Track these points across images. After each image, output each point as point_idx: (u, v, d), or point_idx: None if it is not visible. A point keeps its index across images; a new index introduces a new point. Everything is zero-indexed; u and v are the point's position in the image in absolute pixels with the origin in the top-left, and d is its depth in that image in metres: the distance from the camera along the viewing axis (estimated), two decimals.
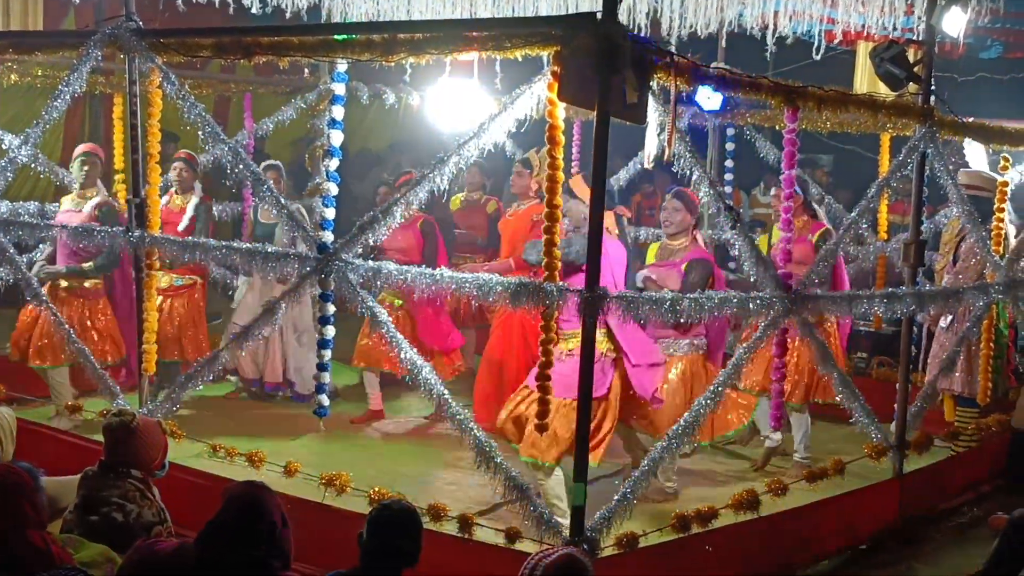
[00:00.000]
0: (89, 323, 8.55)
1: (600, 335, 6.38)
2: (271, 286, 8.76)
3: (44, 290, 8.02)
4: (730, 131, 10.69)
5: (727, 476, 7.98)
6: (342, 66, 6.42)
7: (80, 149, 8.78)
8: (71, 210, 8.52)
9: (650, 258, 7.60)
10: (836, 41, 10.22)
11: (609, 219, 6.66)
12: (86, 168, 8.58)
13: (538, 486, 6.38)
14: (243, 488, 4.02)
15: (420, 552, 4.21)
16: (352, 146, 10.97)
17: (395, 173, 9.87)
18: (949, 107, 7.63)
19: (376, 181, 10.94)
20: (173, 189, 9.07)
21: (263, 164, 9.51)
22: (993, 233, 8.31)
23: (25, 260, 8.27)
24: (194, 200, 9.00)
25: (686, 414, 6.19)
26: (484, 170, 10.36)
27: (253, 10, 10.01)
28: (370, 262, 6.40)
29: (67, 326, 7.82)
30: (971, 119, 7.96)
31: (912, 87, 7.34)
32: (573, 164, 10.81)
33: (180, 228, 8.79)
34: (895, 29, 9.35)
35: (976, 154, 9.02)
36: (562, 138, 5.51)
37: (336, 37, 6.28)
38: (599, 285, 5.42)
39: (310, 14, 10.36)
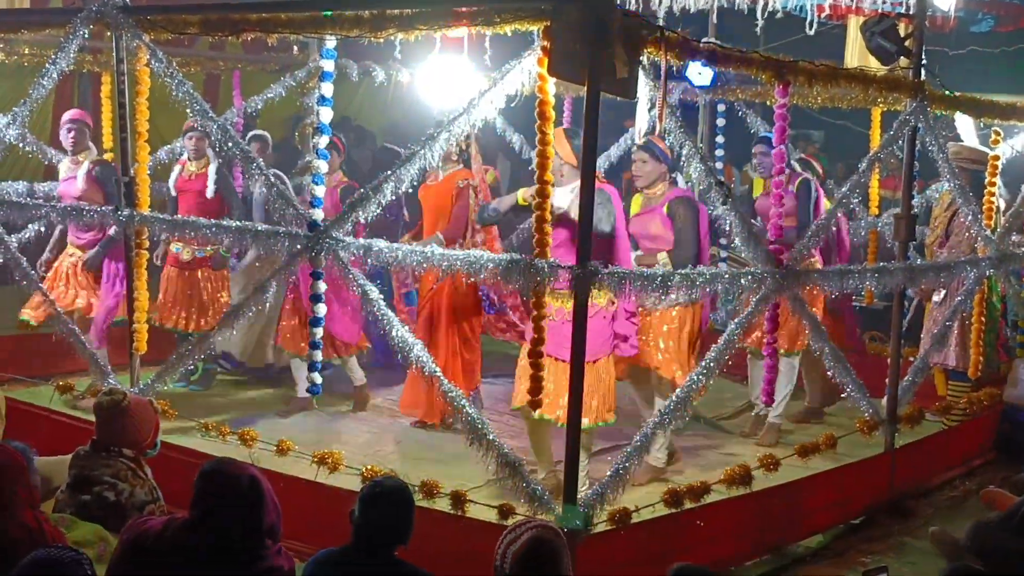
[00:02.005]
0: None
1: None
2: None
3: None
4: (721, 107, 10.67)
5: (719, 452, 8.00)
6: (331, 43, 6.40)
7: (66, 116, 8.74)
8: (68, 176, 8.55)
9: (634, 208, 7.51)
10: (826, 15, 10.19)
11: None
12: (72, 135, 8.56)
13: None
14: (219, 472, 3.99)
15: (412, 529, 4.22)
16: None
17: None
18: (940, 81, 7.62)
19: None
20: (186, 157, 8.99)
21: (249, 135, 9.50)
22: (984, 207, 8.32)
23: (15, 241, 8.25)
24: (214, 166, 8.88)
25: (678, 390, 6.19)
26: (481, 143, 10.35)
27: None
28: (360, 239, 6.38)
29: (61, 309, 7.89)
30: (962, 93, 7.95)
31: (903, 61, 7.32)
32: None
33: (208, 196, 8.76)
34: (886, 3, 9.32)
35: (966, 128, 9.01)
36: (552, 113, 5.49)
37: (324, 13, 6.25)
38: None
39: None
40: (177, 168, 8.97)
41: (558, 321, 6.18)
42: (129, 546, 4.01)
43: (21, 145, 8.40)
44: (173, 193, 8.88)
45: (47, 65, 7.29)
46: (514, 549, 3.87)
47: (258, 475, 4.03)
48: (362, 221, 6.45)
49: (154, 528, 4.00)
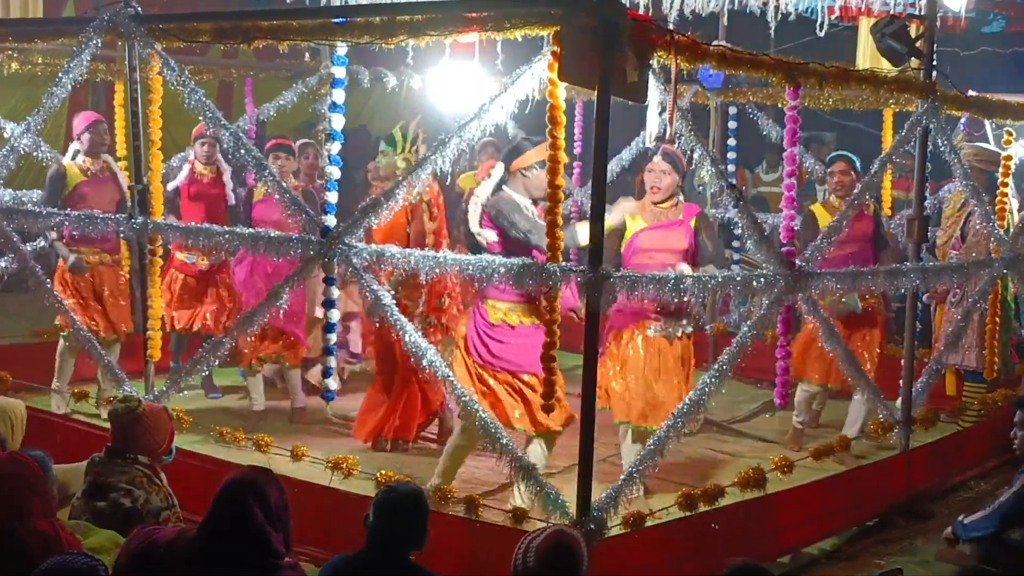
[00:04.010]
0: (106, 293, 8.54)
1: (525, 308, 6.45)
2: None
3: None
4: (732, 110, 10.66)
5: (732, 454, 7.99)
6: (342, 49, 6.41)
7: (92, 116, 8.65)
8: (97, 175, 8.42)
9: (635, 224, 7.03)
10: (837, 17, 10.18)
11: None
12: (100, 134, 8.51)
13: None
14: (231, 483, 3.98)
15: (427, 535, 4.22)
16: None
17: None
18: (951, 82, 7.61)
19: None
20: (195, 159, 8.98)
21: (300, 143, 9.42)
22: (997, 208, 8.31)
23: (29, 248, 8.28)
24: (228, 173, 8.96)
25: (691, 393, 6.18)
26: (498, 150, 10.40)
27: None
28: (373, 245, 6.41)
29: (74, 313, 7.91)
30: (974, 93, 7.94)
31: (914, 62, 7.31)
32: (576, 144, 10.82)
33: (231, 203, 8.84)
34: (896, 4, 9.32)
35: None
36: (563, 118, 5.49)
37: (335, 20, 6.27)
38: None
39: None
40: (186, 168, 8.95)
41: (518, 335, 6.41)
42: (136, 556, 4.00)
43: (35, 154, 8.43)
44: (175, 195, 8.81)
45: (60, 74, 7.34)
46: (537, 544, 3.89)
47: (274, 490, 4.00)
48: None
49: (164, 539, 3.99)
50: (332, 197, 6.52)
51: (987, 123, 8.84)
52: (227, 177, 8.93)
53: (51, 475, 4.48)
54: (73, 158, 8.43)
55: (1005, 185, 8.41)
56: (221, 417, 8.17)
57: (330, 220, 6.45)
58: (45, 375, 8.56)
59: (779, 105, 9.49)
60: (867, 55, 9.99)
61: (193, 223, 7.72)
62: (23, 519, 4.09)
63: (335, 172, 6.56)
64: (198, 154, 8.96)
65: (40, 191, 9.56)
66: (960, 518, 6.46)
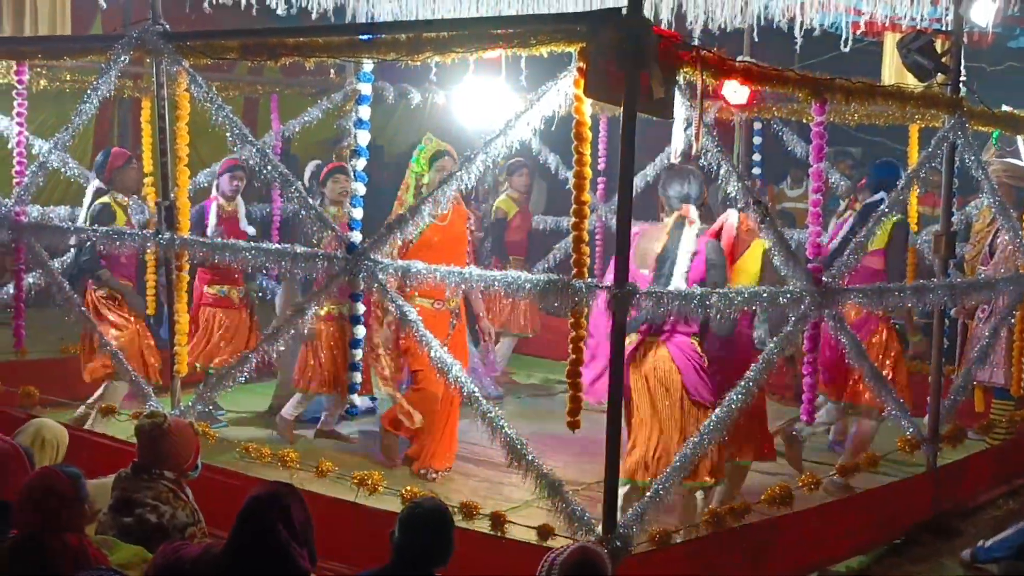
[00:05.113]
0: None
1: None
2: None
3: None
4: (757, 125, 10.64)
5: (759, 471, 7.94)
6: (368, 66, 6.44)
7: (125, 153, 8.50)
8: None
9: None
10: (862, 32, 10.17)
11: None
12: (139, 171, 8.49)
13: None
14: (254, 500, 3.98)
15: (452, 551, 4.21)
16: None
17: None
18: (978, 97, 7.57)
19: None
20: (222, 196, 8.78)
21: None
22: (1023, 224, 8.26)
23: (57, 264, 8.32)
24: (243, 207, 8.90)
25: (718, 409, 6.14)
26: (531, 170, 10.46)
27: (279, 11, 10.08)
28: (399, 261, 6.42)
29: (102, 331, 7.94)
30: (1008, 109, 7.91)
31: (940, 78, 7.28)
32: (600, 160, 10.82)
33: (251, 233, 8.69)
34: (922, 19, 9.30)
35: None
36: (589, 134, 5.49)
37: (361, 37, 6.30)
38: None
39: (336, 15, 10.40)
40: (215, 208, 8.69)
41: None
42: (163, 572, 4.01)
43: (63, 170, 8.48)
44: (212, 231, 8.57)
45: (88, 91, 7.40)
46: (561, 560, 3.89)
47: (297, 506, 4.00)
48: None
49: (190, 555, 4.01)
50: (357, 213, 6.55)
51: (1020, 139, 8.79)
52: (242, 213, 8.85)
53: (84, 492, 4.48)
54: (100, 195, 8.22)
55: None
56: (246, 433, 8.18)
57: (356, 236, 6.46)
58: (72, 390, 8.60)
59: (804, 121, 9.47)
60: (893, 70, 9.94)
61: (218, 239, 7.70)
62: (52, 533, 4.11)
63: (360, 188, 6.59)
64: (225, 189, 8.75)
65: (66, 207, 9.64)
66: (980, 543, 6.44)
